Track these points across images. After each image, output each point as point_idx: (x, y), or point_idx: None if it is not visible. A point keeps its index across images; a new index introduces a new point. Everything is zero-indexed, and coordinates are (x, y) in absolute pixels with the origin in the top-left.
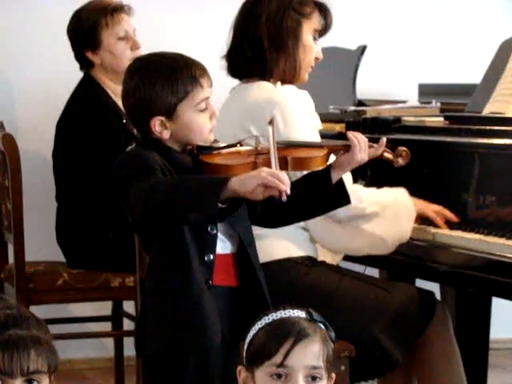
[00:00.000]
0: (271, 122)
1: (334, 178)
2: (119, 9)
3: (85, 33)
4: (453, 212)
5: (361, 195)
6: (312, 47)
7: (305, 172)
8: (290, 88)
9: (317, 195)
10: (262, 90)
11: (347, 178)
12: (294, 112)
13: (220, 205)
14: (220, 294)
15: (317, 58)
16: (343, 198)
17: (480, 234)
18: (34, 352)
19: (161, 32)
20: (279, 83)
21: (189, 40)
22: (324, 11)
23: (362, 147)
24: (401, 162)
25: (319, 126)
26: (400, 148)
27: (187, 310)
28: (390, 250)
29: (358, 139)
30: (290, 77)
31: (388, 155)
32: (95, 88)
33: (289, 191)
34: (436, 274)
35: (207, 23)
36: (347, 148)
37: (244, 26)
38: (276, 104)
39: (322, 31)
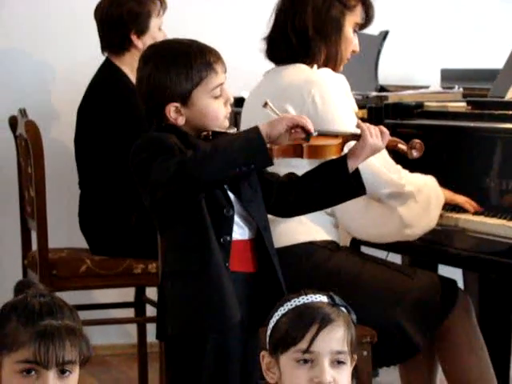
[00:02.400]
0: (265, 105)
1: (351, 167)
2: (165, 1)
3: (141, 16)
4: (475, 197)
5: (400, 172)
6: (352, 40)
7: (319, 161)
8: (326, 70)
9: (333, 184)
10: (300, 71)
11: (384, 155)
12: (333, 92)
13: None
14: (238, 280)
15: (353, 51)
16: (359, 188)
17: (502, 219)
18: (69, 343)
19: (180, 21)
20: (315, 66)
21: (208, 29)
22: (367, 5)
23: (372, 132)
24: (415, 154)
25: (355, 108)
26: (414, 140)
27: (207, 290)
28: (416, 237)
29: (368, 125)
30: (329, 65)
31: (402, 147)
32: (117, 72)
33: (314, 132)
34: (458, 259)
35: (227, 11)
36: (359, 137)
37: (289, 12)
38: (314, 83)
39: (363, 25)
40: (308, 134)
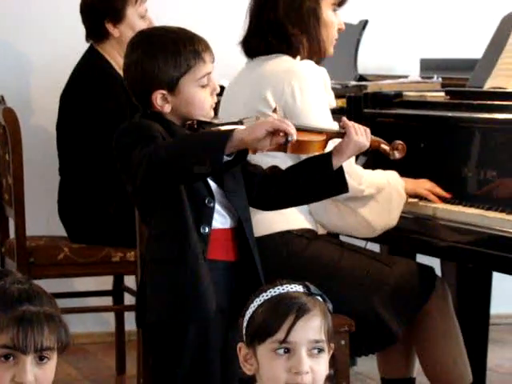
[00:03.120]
0: (275, 111)
1: (335, 164)
2: None
3: (113, 5)
4: (453, 187)
5: (361, 176)
6: (333, 22)
7: (303, 156)
8: (309, 63)
9: (316, 180)
10: (282, 61)
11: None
12: (312, 85)
13: (226, 157)
14: (219, 269)
15: (340, 29)
16: (342, 186)
17: (480, 209)
18: (48, 329)
19: (168, 11)
20: (298, 57)
21: (196, 18)
22: None
23: (357, 130)
24: (397, 155)
25: (333, 103)
26: (397, 141)
27: (184, 279)
28: (375, 235)
29: (353, 123)
30: (315, 54)
31: (385, 147)
32: (101, 60)
33: (295, 136)
34: (436, 249)
35: (207, 2)
36: (343, 135)
37: (262, 12)
38: (295, 74)
39: (341, 2)
40: (287, 138)
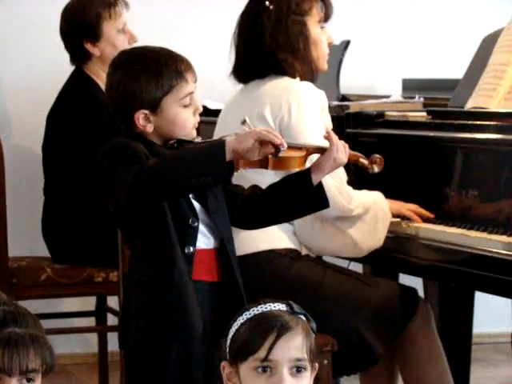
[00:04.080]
0: (244, 123)
1: (314, 180)
2: (120, 2)
3: (87, 24)
4: (435, 206)
5: (352, 197)
6: (322, 39)
7: (283, 172)
8: (308, 84)
9: (297, 197)
10: (281, 80)
11: (341, 176)
12: (309, 104)
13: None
14: (202, 289)
15: (330, 43)
16: (322, 201)
17: (462, 229)
18: (33, 351)
19: (151, 31)
20: (298, 78)
21: (178, 38)
22: None
23: (339, 148)
24: (376, 169)
25: (330, 125)
26: (375, 155)
27: (170, 300)
28: (362, 256)
29: (336, 139)
30: (308, 74)
31: (363, 161)
32: (86, 81)
33: (285, 145)
34: (419, 268)
35: (197, 19)
36: (324, 150)
37: (250, 41)
38: (294, 92)
39: (326, 18)
40: (277, 149)
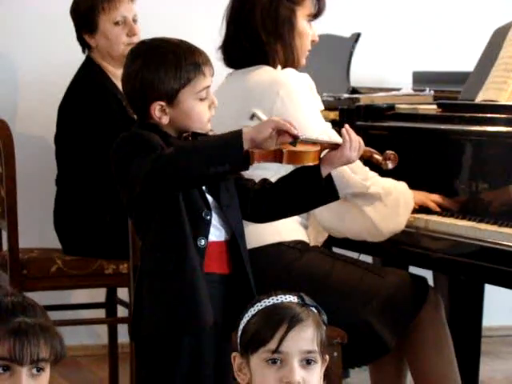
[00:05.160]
0: (253, 117)
1: (324, 173)
2: None
3: (82, 16)
4: (445, 199)
5: (367, 172)
6: (307, 33)
7: (296, 166)
8: (291, 70)
9: (306, 190)
10: (264, 72)
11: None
12: (298, 91)
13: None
14: (214, 282)
15: (313, 41)
16: (332, 194)
17: (472, 221)
18: (43, 340)
19: (158, 19)
20: (279, 67)
21: (188, 26)
22: None
23: (352, 145)
24: (390, 165)
25: (321, 106)
26: (388, 152)
27: (181, 292)
28: (384, 239)
29: (351, 137)
30: (289, 64)
31: (377, 157)
32: (95, 71)
33: (303, 135)
34: (429, 261)
35: (203, 11)
36: (338, 146)
37: (239, 18)
38: (281, 84)
39: (316, 14)
40: (295, 138)
